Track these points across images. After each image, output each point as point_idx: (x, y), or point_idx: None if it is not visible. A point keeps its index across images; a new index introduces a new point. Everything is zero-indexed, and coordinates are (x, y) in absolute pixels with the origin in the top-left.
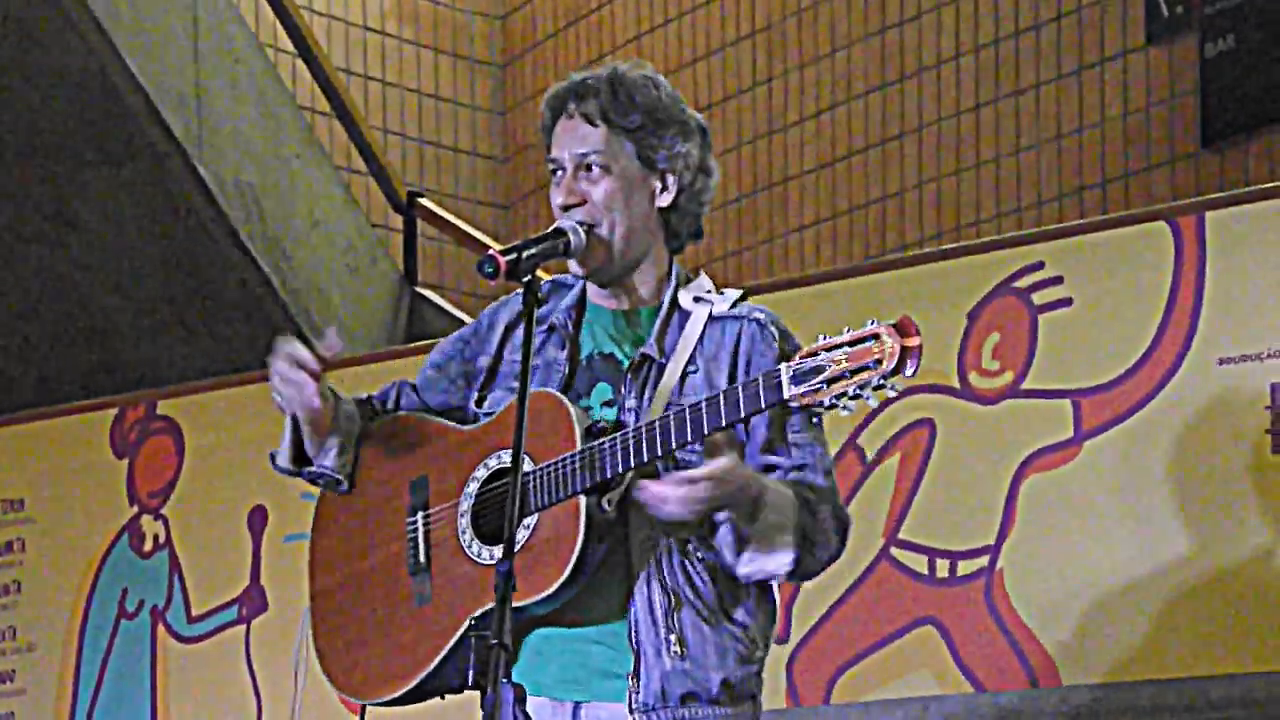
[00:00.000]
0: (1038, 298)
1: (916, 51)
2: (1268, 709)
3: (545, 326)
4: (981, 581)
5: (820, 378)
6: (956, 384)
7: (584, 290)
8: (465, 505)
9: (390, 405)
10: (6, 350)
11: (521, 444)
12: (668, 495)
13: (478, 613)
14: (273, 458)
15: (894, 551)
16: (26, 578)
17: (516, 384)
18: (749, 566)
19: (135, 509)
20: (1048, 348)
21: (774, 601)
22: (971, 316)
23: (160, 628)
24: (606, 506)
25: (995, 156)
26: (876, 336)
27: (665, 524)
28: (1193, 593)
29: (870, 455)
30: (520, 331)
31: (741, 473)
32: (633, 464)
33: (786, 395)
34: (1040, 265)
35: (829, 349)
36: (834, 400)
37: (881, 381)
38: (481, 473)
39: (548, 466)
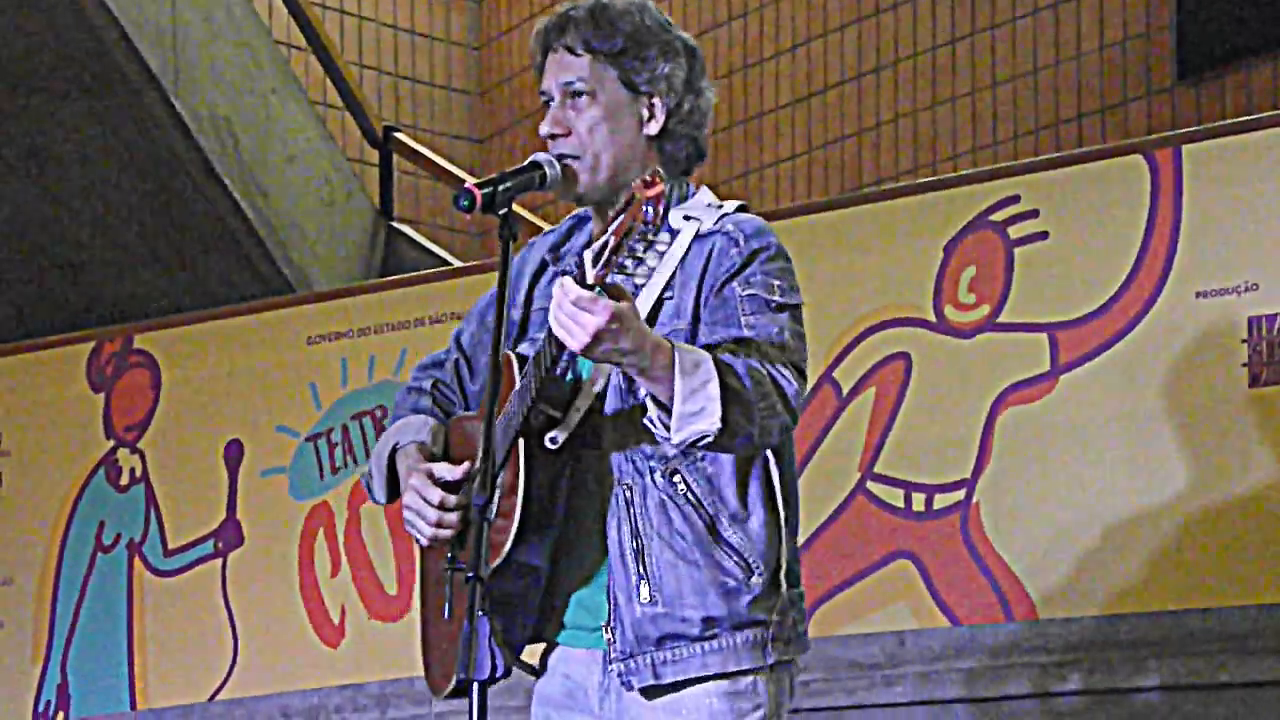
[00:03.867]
0: (1014, 231)
1: None
2: (1247, 642)
3: (562, 266)
4: (958, 515)
5: (607, 252)
6: (933, 317)
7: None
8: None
9: (454, 384)
10: None
11: (495, 399)
12: (563, 305)
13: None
14: (368, 486)
15: (870, 485)
16: (2, 512)
17: (542, 334)
18: (680, 434)
19: (112, 443)
20: (1024, 281)
21: (783, 512)
22: (948, 250)
23: (137, 561)
24: (551, 444)
25: (971, 90)
26: (633, 197)
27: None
28: (1169, 526)
29: (846, 389)
30: (547, 275)
31: (639, 320)
32: (533, 391)
33: (590, 280)
34: (1016, 199)
35: (611, 222)
36: (618, 268)
37: (640, 236)
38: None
39: (501, 419)
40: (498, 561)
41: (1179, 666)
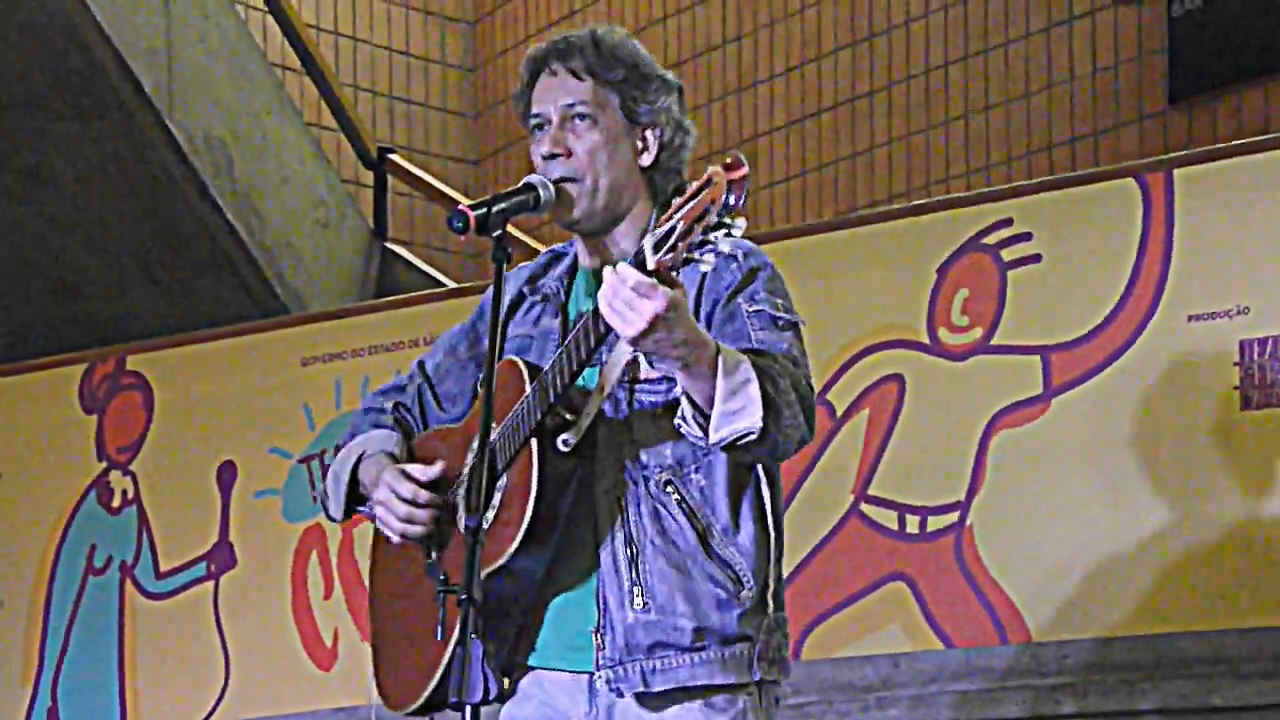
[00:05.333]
0: (1007, 254)
1: (886, 9)
2: (1239, 666)
3: (540, 296)
4: (951, 537)
5: (674, 237)
6: (926, 340)
7: (575, 256)
8: (459, 492)
9: (414, 408)
10: None
11: (491, 410)
12: (620, 291)
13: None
14: (323, 503)
15: (864, 507)
16: None
17: (516, 359)
18: (720, 431)
19: (104, 465)
20: (1017, 304)
21: (773, 533)
22: (941, 272)
23: (128, 584)
24: (563, 446)
25: (964, 114)
26: (710, 181)
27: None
28: (1162, 549)
29: (840, 411)
30: (524, 306)
31: (690, 315)
32: (559, 385)
33: (651, 265)
34: (1009, 222)
35: (678, 209)
36: (688, 253)
37: (719, 219)
38: (469, 458)
39: (506, 423)
40: (500, 562)
41: (1173, 690)
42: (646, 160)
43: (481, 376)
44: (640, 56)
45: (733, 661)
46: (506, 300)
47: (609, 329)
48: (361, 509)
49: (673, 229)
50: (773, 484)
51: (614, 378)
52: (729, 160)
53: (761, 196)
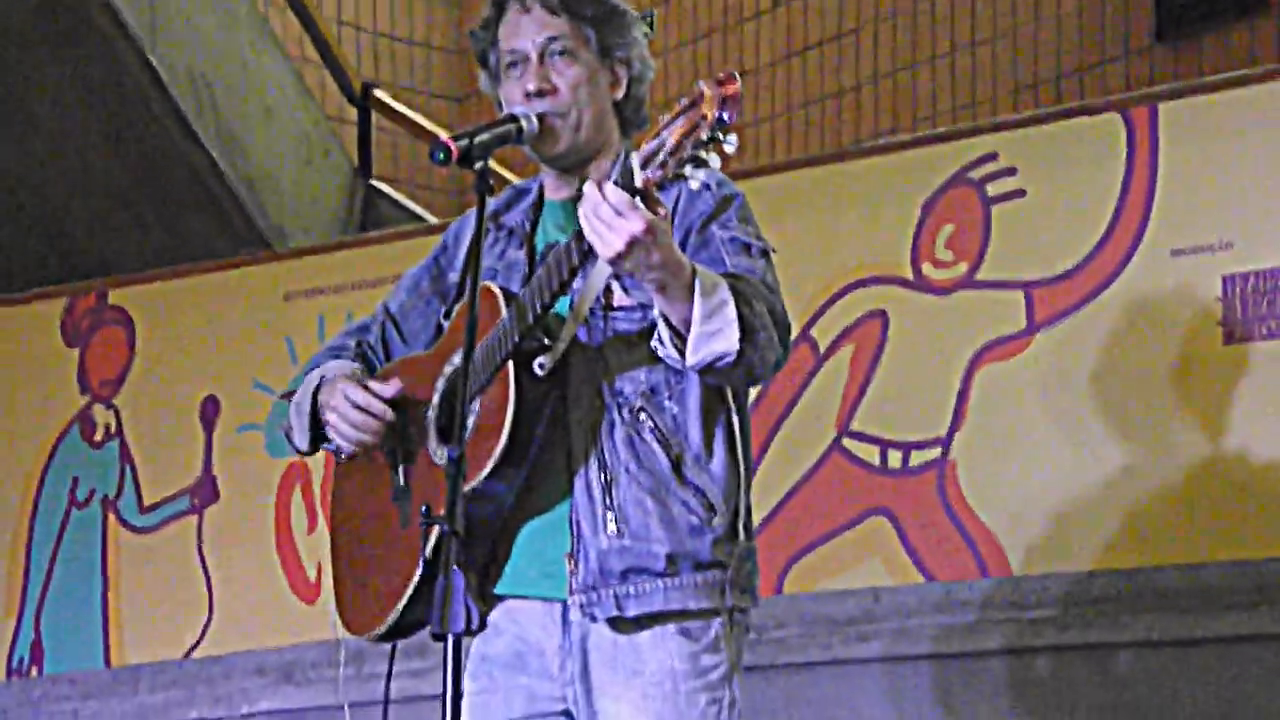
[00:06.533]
0: (991, 189)
1: None
2: (1221, 598)
3: (506, 230)
4: (934, 472)
5: (662, 153)
6: (910, 275)
7: (540, 191)
8: (431, 415)
9: (378, 347)
10: None
11: (474, 337)
12: (599, 209)
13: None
14: (288, 436)
15: (846, 442)
16: None
17: (492, 284)
18: (698, 353)
19: (86, 398)
20: (1001, 239)
21: (742, 462)
22: (925, 208)
23: (111, 517)
24: (539, 370)
25: (951, 50)
26: (701, 95)
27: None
28: (1143, 483)
29: (823, 347)
30: (488, 241)
31: (671, 234)
32: (539, 307)
33: (638, 183)
34: (994, 156)
35: (666, 125)
36: (677, 169)
37: (711, 133)
38: (441, 383)
39: (481, 347)
40: (473, 484)
41: (1154, 622)
42: (619, 94)
43: (444, 310)
44: None
45: (706, 587)
46: (468, 237)
47: (591, 249)
48: (327, 445)
49: (661, 144)
50: (741, 413)
51: (588, 304)
52: (721, 77)
53: (748, 133)
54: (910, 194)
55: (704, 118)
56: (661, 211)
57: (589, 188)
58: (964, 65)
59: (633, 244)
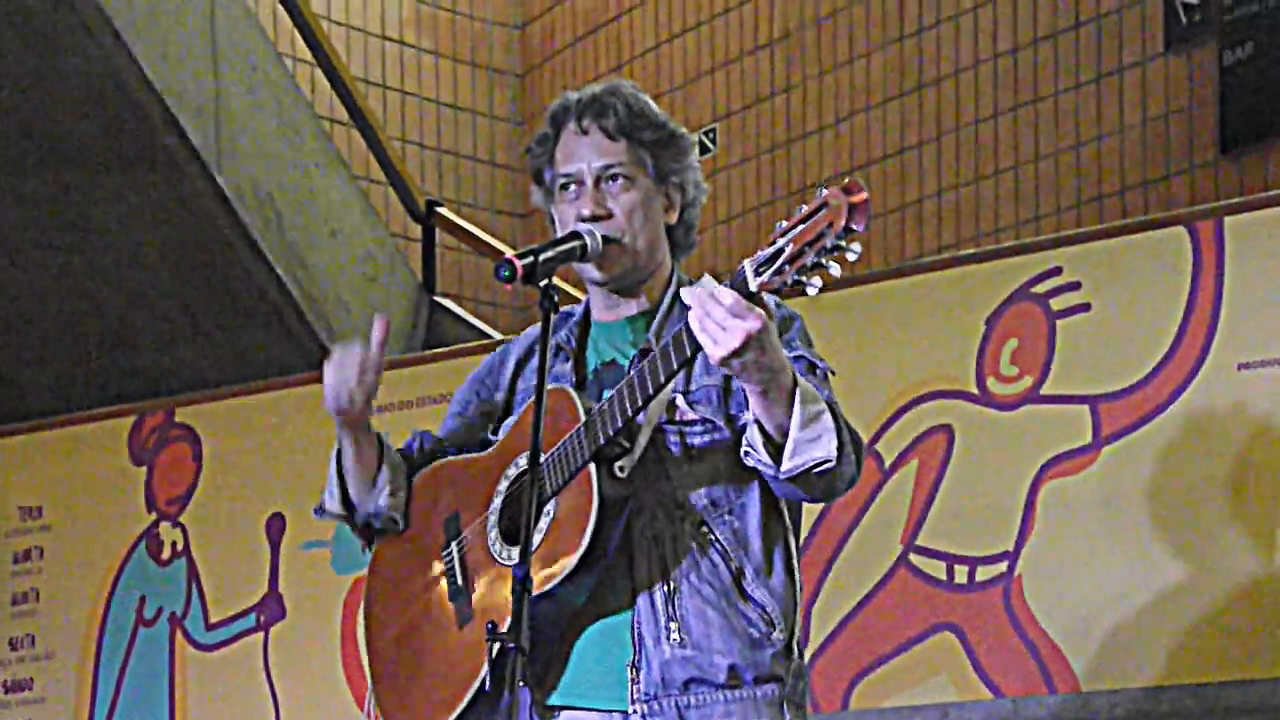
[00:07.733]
0: (1056, 303)
1: (935, 59)
2: None
3: (554, 347)
4: (1000, 587)
5: (780, 260)
6: (975, 390)
7: (587, 310)
8: (493, 518)
9: (416, 455)
10: (24, 358)
11: (539, 438)
12: (713, 311)
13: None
14: (319, 510)
15: (912, 558)
16: (45, 586)
17: (567, 388)
18: (794, 459)
19: (153, 516)
20: (1066, 353)
21: (798, 580)
22: (990, 322)
23: (178, 635)
24: (619, 472)
25: (1014, 164)
26: (825, 204)
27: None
28: (1213, 598)
29: (888, 461)
30: (532, 361)
31: (776, 340)
32: (629, 411)
33: (753, 287)
34: (1058, 270)
35: (785, 232)
36: (797, 275)
37: (836, 242)
38: (503, 484)
39: (558, 449)
40: (549, 586)
41: None
42: (673, 218)
43: (491, 428)
44: (661, 114)
45: (765, 703)
46: (513, 359)
47: (694, 352)
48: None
49: (779, 251)
50: (796, 532)
51: (658, 415)
52: (847, 184)
53: None
54: (975, 308)
55: (830, 225)
56: (771, 315)
57: (696, 291)
58: (1027, 179)
59: (748, 342)
